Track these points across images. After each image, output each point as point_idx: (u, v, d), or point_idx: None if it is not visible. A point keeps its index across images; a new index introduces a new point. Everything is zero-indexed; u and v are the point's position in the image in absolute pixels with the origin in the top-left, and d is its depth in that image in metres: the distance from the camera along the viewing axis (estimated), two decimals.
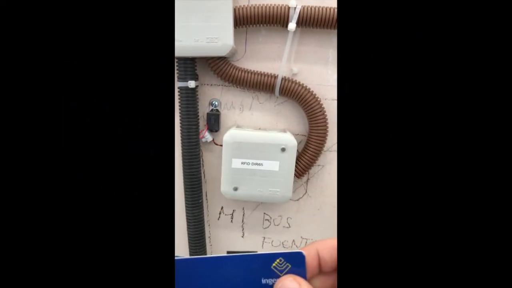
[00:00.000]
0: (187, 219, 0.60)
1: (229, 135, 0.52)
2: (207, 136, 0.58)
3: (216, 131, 0.59)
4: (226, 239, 0.68)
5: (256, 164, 0.53)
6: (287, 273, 0.24)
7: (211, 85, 0.58)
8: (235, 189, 0.54)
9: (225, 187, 0.55)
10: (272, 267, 0.24)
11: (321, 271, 0.26)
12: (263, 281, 0.24)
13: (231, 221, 0.66)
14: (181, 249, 0.68)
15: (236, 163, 0.53)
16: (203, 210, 0.60)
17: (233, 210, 0.65)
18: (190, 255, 0.62)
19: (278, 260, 0.24)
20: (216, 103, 0.58)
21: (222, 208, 0.65)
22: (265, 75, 0.54)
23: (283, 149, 0.52)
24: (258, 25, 0.52)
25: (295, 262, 0.24)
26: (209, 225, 0.67)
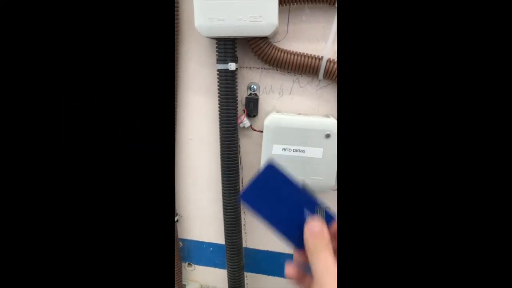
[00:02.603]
0: (223, 205, 0.59)
1: (270, 119, 0.50)
2: (245, 121, 0.56)
3: (254, 116, 0.57)
4: (261, 227, 0.66)
5: (298, 150, 0.50)
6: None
7: (250, 68, 0.56)
8: None
9: None
10: (315, 209, 0.35)
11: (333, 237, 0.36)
12: (305, 211, 0.34)
13: None
14: (217, 236, 0.68)
15: (277, 149, 0.51)
16: (239, 197, 0.59)
17: None
18: (226, 242, 0.61)
19: (321, 211, 0.35)
20: (255, 87, 0.56)
21: None
22: (308, 57, 0.51)
23: (327, 135, 0.49)
24: (302, 3, 0.49)
25: (328, 218, 0.34)
26: (244, 213, 0.65)
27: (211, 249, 0.69)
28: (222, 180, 0.57)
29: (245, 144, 0.60)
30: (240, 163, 0.61)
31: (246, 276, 0.71)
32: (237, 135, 0.56)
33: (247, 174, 0.62)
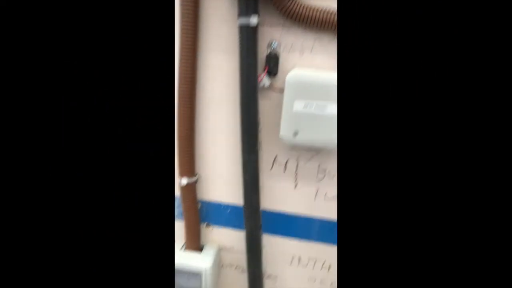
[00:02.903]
0: (243, 165, 0.60)
1: (293, 75, 0.50)
2: (265, 80, 0.56)
3: (275, 75, 0.57)
4: (278, 189, 0.67)
5: (320, 106, 0.50)
6: None
7: (271, 25, 0.55)
8: (296, 133, 0.52)
9: (285, 131, 0.53)
10: None
11: None
12: None
13: (284, 171, 0.65)
14: (235, 197, 0.69)
15: (298, 105, 0.51)
16: (258, 156, 0.60)
17: (287, 160, 0.64)
18: (244, 201, 0.63)
19: None
20: (276, 44, 0.55)
21: (275, 157, 0.64)
22: (330, 13, 0.50)
23: None
24: None
25: None
26: (261, 174, 0.66)
27: (229, 210, 0.71)
28: (242, 139, 0.58)
29: (264, 105, 0.60)
30: (259, 124, 0.61)
31: (263, 238, 0.73)
32: (257, 93, 0.55)
33: (266, 135, 0.62)
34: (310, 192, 0.66)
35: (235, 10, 0.52)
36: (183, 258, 0.67)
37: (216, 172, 0.68)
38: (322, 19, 0.50)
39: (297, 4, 0.50)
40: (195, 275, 0.66)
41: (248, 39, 0.52)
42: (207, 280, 0.66)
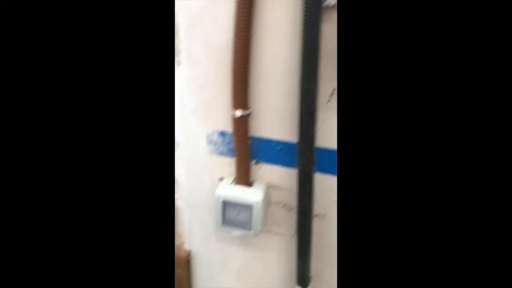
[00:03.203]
0: (300, 95, 0.57)
1: None
2: None
3: None
4: (333, 125, 0.64)
5: None
6: None
7: None
8: None
9: None
10: None
11: None
12: None
13: None
14: (287, 133, 0.67)
15: None
16: (318, 85, 0.56)
17: None
18: (299, 136, 0.60)
19: None
20: None
21: (334, 89, 0.60)
22: None
23: None
24: None
25: None
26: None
27: (280, 147, 0.69)
28: (301, 65, 0.54)
29: (326, 29, 0.55)
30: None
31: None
32: (322, 12, 0.51)
33: (325, 65, 0.58)
34: None
35: None
36: (234, 191, 0.68)
37: (268, 106, 0.65)
38: None
39: None
40: (246, 208, 0.67)
41: None
42: (257, 213, 0.67)
